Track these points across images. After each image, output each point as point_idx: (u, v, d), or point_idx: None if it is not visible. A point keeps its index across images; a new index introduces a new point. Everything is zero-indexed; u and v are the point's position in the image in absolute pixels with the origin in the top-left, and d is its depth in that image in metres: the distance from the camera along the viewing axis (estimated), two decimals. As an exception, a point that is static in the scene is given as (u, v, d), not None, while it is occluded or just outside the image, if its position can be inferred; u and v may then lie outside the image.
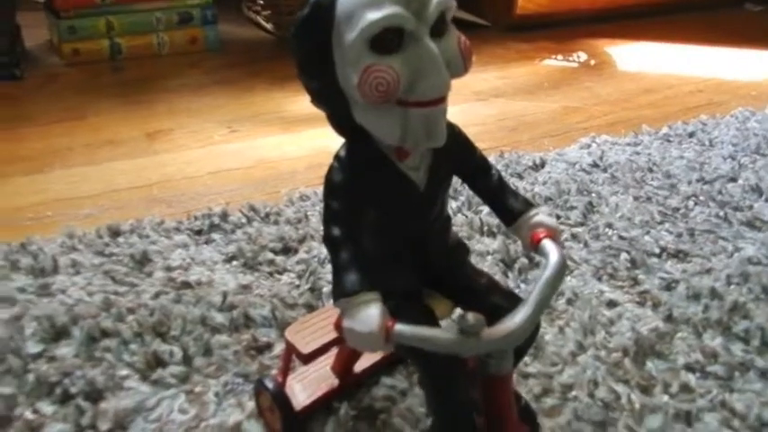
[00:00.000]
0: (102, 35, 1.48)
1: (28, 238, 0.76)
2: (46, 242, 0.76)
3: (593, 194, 0.89)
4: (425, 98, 0.36)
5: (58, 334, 0.62)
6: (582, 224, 0.82)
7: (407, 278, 0.44)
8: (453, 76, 0.37)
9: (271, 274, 0.72)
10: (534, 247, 0.42)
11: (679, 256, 0.75)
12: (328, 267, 0.58)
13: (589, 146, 1.05)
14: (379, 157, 0.40)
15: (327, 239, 0.40)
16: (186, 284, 0.69)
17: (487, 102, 1.32)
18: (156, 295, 0.67)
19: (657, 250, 0.76)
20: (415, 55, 0.35)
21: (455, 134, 0.43)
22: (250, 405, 0.55)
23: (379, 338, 0.36)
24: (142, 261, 0.73)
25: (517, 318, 0.37)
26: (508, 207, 0.44)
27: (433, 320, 0.43)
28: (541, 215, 0.43)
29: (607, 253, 0.75)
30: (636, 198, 0.88)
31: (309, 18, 0.36)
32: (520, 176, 0.94)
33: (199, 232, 0.80)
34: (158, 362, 0.59)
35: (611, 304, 0.67)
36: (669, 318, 0.64)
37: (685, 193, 0.88)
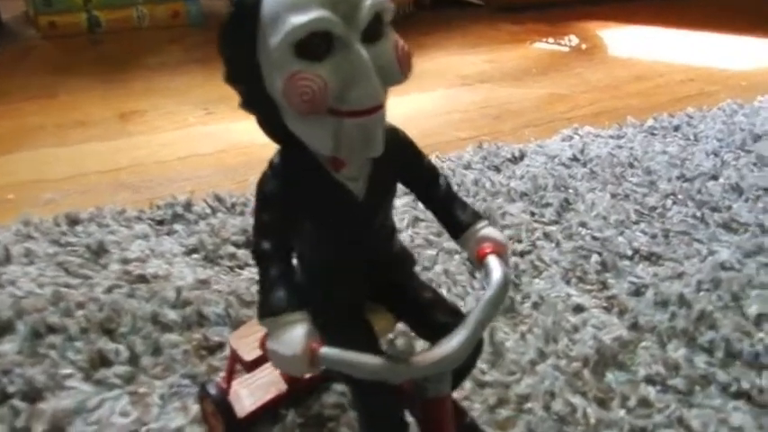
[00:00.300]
0: (80, 8, 1.44)
1: (-19, 225, 0.74)
2: (0, 229, 0.74)
3: (570, 191, 0.86)
4: (359, 107, 0.33)
5: (2, 329, 0.60)
6: (556, 222, 0.80)
7: (347, 291, 0.42)
8: (389, 84, 0.35)
9: (231, 268, 0.70)
10: (480, 262, 0.40)
11: (651, 258, 0.73)
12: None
13: (571, 138, 1.02)
14: (315, 167, 0.37)
15: (256, 253, 0.38)
16: (142, 278, 0.67)
17: (473, 87, 1.29)
18: (109, 289, 0.65)
19: (630, 252, 0.74)
20: (345, 61, 0.32)
21: (399, 140, 0.40)
22: (195, 409, 0.53)
23: (303, 362, 0.34)
24: (98, 252, 0.71)
25: (453, 341, 0.35)
26: (455, 219, 0.41)
27: (370, 337, 0.41)
28: (489, 228, 0.41)
29: (578, 254, 0.73)
30: (613, 195, 0.85)
31: (234, 18, 0.33)
32: (497, 169, 0.92)
33: (161, 222, 0.77)
34: (103, 361, 0.57)
35: (578, 309, 0.65)
36: (634, 326, 0.63)
37: (664, 191, 0.86)
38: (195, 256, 0.72)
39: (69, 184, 0.88)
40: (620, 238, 0.76)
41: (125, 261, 0.70)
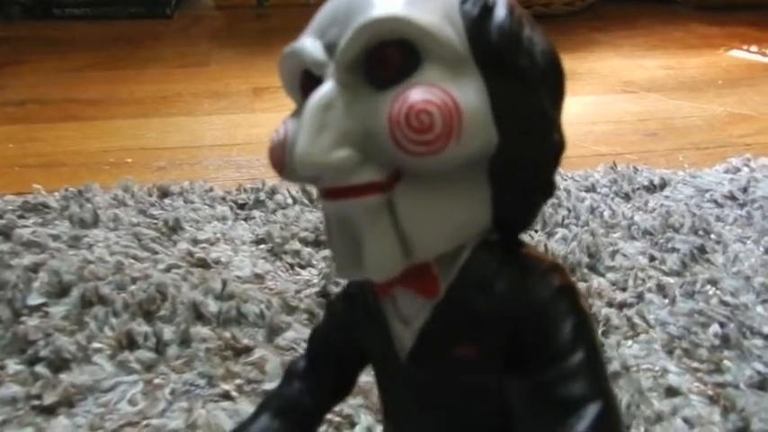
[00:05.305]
0: (251, -18, 1.49)
1: (86, 185, 0.78)
2: (102, 192, 0.78)
3: (711, 237, 0.70)
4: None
5: (62, 290, 0.62)
6: (678, 274, 0.65)
7: None
8: (379, 158, 0.21)
9: (291, 266, 0.66)
10: None
11: (795, 344, 0.56)
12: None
13: (737, 170, 0.84)
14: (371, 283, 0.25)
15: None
16: (202, 262, 0.66)
17: (636, 96, 1.12)
18: (168, 269, 0.65)
19: (767, 330, 0.57)
20: None
21: (521, 299, 0.23)
22: (197, 414, 0.50)
23: None
24: (174, 228, 0.71)
25: None
26: None
27: None
28: None
29: (695, 319, 0.59)
30: (769, 251, 0.68)
31: None
32: (627, 198, 0.78)
33: (242, 206, 0.76)
34: (131, 343, 0.56)
35: (671, 392, 0.52)
36: (742, 431, 0.48)
37: (843, 256, 0.67)
38: (262, 246, 0.69)
39: (183, 155, 0.91)
40: (760, 309, 0.60)
41: (195, 241, 0.69)
